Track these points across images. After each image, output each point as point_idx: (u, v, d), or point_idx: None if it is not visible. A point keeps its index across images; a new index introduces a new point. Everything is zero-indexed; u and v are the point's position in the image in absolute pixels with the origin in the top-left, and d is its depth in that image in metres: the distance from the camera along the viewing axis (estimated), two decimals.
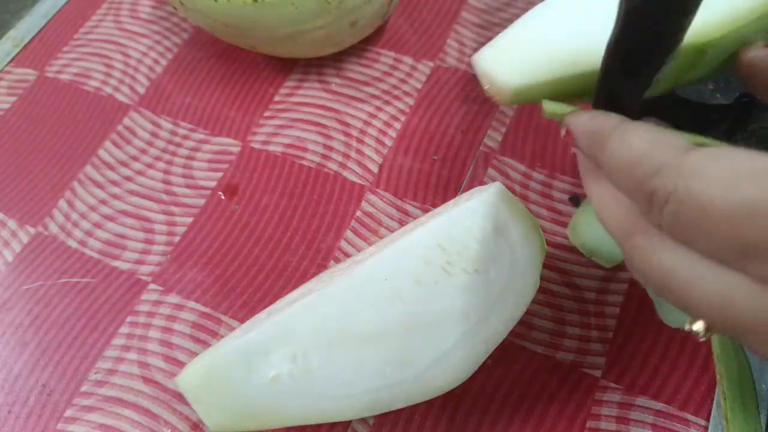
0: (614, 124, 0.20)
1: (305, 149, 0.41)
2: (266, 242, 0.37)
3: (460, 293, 0.27)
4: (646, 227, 0.19)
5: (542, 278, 0.31)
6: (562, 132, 0.23)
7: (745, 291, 0.17)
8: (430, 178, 0.39)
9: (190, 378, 0.28)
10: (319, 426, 0.32)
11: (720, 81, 0.37)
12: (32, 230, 0.39)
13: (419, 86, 0.43)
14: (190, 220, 0.38)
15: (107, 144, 0.42)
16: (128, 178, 0.40)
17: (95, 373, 0.34)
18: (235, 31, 0.40)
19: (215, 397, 0.27)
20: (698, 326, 0.21)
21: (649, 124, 0.20)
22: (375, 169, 0.40)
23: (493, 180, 0.39)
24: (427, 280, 0.28)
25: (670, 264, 0.19)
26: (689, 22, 0.20)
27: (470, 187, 0.39)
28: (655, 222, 0.19)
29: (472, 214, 0.28)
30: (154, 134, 0.42)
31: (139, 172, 0.40)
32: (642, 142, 0.19)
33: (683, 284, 0.18)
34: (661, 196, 0.18)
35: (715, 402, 0.31)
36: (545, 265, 0.34)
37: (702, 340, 0.21)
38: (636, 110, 0.23)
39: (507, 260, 0.28)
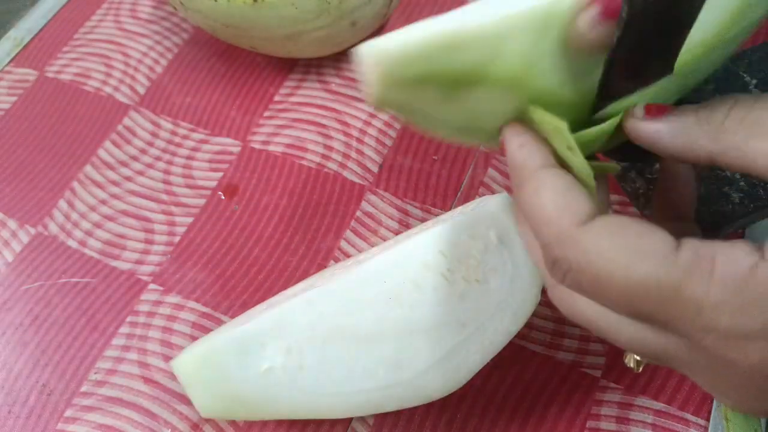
0: (534, 167, 0.21)
1: (305, 149, 0.41)
2: (266, 242, 0.37)
3: (459, 301, 0.27)
4: (558, 282, 0.21)
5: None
6: (498, 143, 0.23)
7: (656, 337, 0.19)
8: (430, 178, 0.39)
9: (186, 362, 0.28)
10: (320, 424, 0.32)
11: (720, 81, 0.37)
12: (32, 230, 0.39)
13: None
14: (190, 220, 0.38)
15: (107, 144, 0.42)
16: (128, 178, 0.40)
17: (95, 373, 0.34)
18: (235, 31, 0.40)
19: (209, 384, 0.28)
20: (630, 362, 0.23)
21: (564, 179, 0.20)
22: (375, 169, 0.40)
23: (494, 180, 0.39)
24: (427, 286, 0.28)
25: (589, 313, 0.21)
26: (693, 21, 0.20)
27: (470, 187, 0.39)
28: (559, 282, 0.20)
29: (477, 223, 0.28)
30: (154, 134, 0.42)
31: (139, 172, 0.41)
32: (550, 204, 0.19)
33: (604, 329, 0.20)
34: (563, 266, 0.19)
35: (715, 402, 0.31)
36: None
37: (637, 371, 0.23)
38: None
39: (509, 272, 0.28)
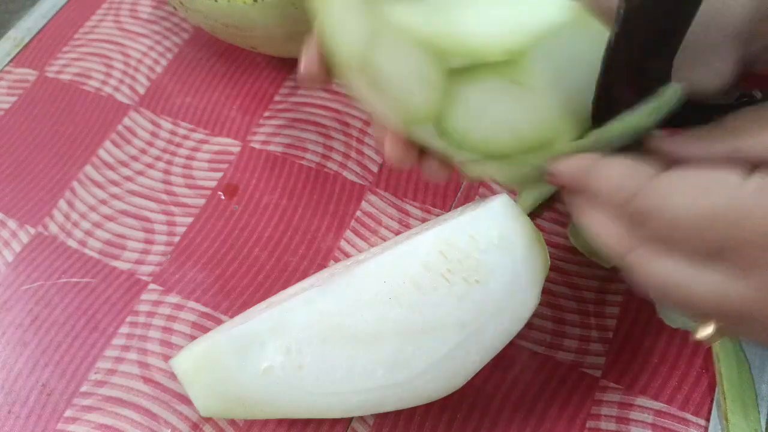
0: (590, 162, 0.23)
1: (305, 149, 0.41)
2: (266, 242, 0.37)
3: (458, 302, 0.27)
4: (635, 245, 0.22)
5: None
6: (546, 178, 0.25)
7: (732, 282, 0.20)
8: None
9: (186, 361, 0.28)
10: (320, 424, 0.32)
11: None
12: (32, 230, 0.39)
13: None
14: (190, 220, 0.38)
15: (107, 144, 0.42)
16: (128, 178, 0.40)
17: (95, 373, 0.34)
18: (235, 31, 0.40)
19: (208, 383, 0.28)
20: (706, 332, 0.22)
21: (621, 156, 0.23)
22: (375, 169, 0.40)
23: (494, 180, 0.39)
24: (426, 286, 0.28)
25: (663, 273, 0.21)
26: (690, 19, 0.20)
27: (470, 187, 0.39)
28: (640, 237, 0.22)
29: (477, 224, 0.28)
30: (154, 134, 0.42)
31: (139, 172, 0.41)
32: (619, 173, 0.22)
33: (679, 288, 0.21)
34: (642, 215, 0.21)
35: (715, 402, 0.31)
36: None
37: (709, 344, 0.23)
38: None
39: (509, 274, 0.28)
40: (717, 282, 0.20)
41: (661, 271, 0.21)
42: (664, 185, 0.20)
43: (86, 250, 0.38)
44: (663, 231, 0.21)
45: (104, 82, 0.45)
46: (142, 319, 0.35)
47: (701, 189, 0.20)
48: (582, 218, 0.24)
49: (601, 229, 0.23)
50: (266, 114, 0.42)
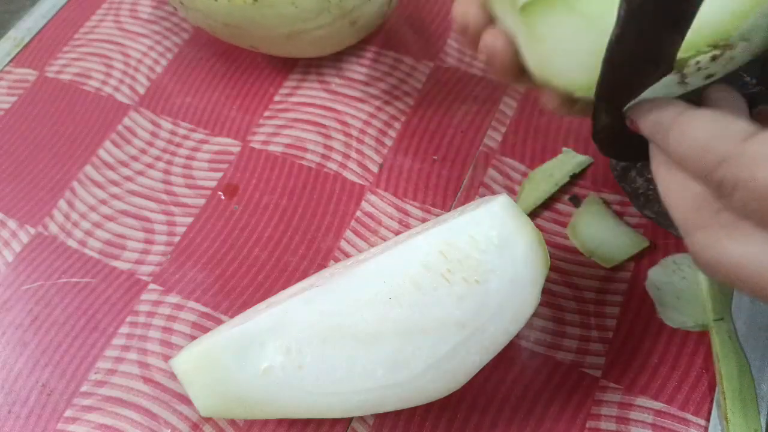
0: (673, 114, 0.21)
1: (305, 149, 0.41)
2: (266, 242, 0.37)
3: (458, 302, 0.27)
4: (711, 221, 0.20)
5: None
6: (628, 122, 0.23)
7: None
8: (430, 178, 0.39)
9: (185, 361, 0.28)
10: (320, 424, 0.32)
11: (720, 81, 0.37)
12: (32, 230, 0.39)
13: (419, 86, 0.43)
14: (190, 220, 0.38)
15: (107, 144, 0.42)
16: (128, 178, 0.40)
17: (95, 373, 0.34)
18: (235, 31, 0.40)
19: (208, 383, 0.28)
20: None
21: (707, 111, 0.20)
22: (375, 169, 0.40)
23: (494, 180, 0.39)
24: (426, 286, 0.28)
25: (739, 253, 0.19)
26: (692, 17, 0.20)
27: (470, 187, 0.39)
28: (727, 207, 0.19)
29: (477, 224, 0.28)
30: (154, 134, 0.42)
31: (139, 172, 0.41)
32: (704, 133, 0.19)
33: (757, 270, 0.19)
34: (729, 185, 0.19)
35: (715, 402, 0.31)
36: None
37: None
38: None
39: (509, 274, 0.28)
40: None
41: (736, 252, 0.19)
42: (759, 151, 0.18)
43: (86, 250, 0.38)
44: (752, 205, 0.18)
45: (104, 82, 0.45)
46: (142, 319, 0.35)
47: None
48: (658, 175, 0.22)
49: (678, 194, 0.21)
50: (266, 114, 0.42)
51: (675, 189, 0.21)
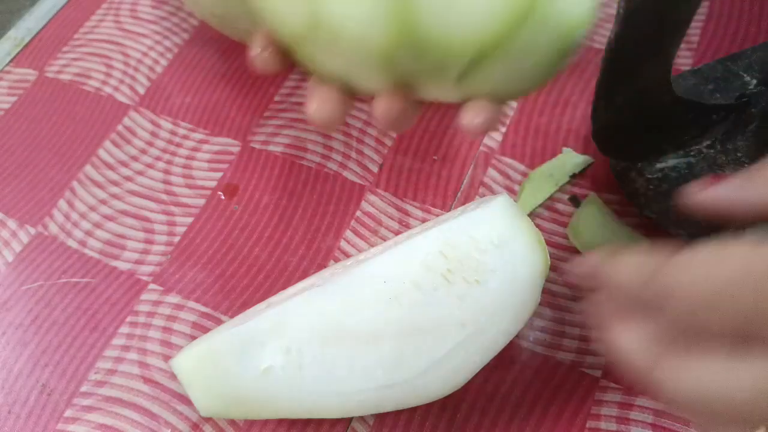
0: (604, 257, 0.24)
1: (305, 149, 0.41)
2: (266, 242, 0.37)
3: (458, 302, 0.27)
4: (661, 355, 0.21)
5: None
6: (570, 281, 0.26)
7: None
8: (430, 178, 0.39)
9: (185, 361, 0.28)
10: (320, 424, 0.32)
11: (720, 81, 0.37)
12: (32, 230, 0.39)
13: None
14: (190, 220, 0.38)
15: (107, 144, 0.42)
16: (128, 178, 0.40)
17: (95, 373, 0.34)
18: (222, 22, 0.39)
19: (208, 383, 0.28)
20: None
21: (634, 251, 0.23)
22: (375, 169, 0.40)
23: (494, 180, 0.39)
24: (427, 286, 0.28)
25: (696, 381, 0.19)
26: (690, 18, 0.20)
27: (470, 187, 0.39)
28: (664, 334, 0.21)
29: (477, 224, 0.28)
30: (154, 134, 0.42)
31: (139, 172, 0.41)
32: (634, 261, 0.22)
33: (719, 391, 0.19)
34: (659, 297, 0.20)
35: None
36: None
37: None
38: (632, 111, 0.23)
39: (509, 274, 0.28)
40: (758, 373, 0.18)
41: (693, 378, 0.19)
42: (679, 262, 0.20)
43: (86, 250, 0.38)
44: (683, 312, 0.20)
45: (104, 82, 0.45)
46: (142, 319, 0.35)
47: (715, 258, 0.19)
48: (606, 338, 0.23)
49: (625, 345, 0.22)
50: (266, 114, 0.42)
51: (624, 344, 0.23)
